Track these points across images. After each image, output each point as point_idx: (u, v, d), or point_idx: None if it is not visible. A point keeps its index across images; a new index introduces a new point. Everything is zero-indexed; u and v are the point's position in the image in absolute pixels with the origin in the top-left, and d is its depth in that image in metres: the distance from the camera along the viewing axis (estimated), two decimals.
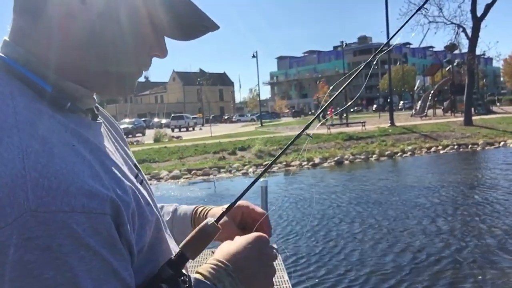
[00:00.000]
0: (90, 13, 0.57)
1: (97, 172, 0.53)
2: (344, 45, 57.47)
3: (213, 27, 0.68)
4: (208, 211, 0.91)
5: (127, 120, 41.67)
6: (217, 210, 0.88)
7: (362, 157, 17.13)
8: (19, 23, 0.58)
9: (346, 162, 16.65)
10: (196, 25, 0.67)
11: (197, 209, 0.93)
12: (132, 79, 0.66)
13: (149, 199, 0.64)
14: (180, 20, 0.64)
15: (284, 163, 16.48)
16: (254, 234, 0.72)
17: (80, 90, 0.61)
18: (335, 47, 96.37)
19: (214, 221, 0.68)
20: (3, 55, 0.57)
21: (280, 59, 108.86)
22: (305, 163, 16.52)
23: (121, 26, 0.59)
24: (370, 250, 6.29)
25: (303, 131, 0.86)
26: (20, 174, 0.46)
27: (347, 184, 12.30)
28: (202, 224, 0.68)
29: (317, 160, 16.56)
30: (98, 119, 0.68)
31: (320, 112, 0.95)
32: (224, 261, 0.66)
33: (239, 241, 0.70)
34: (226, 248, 0.70)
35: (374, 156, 17.37)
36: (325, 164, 16.40)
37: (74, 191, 0.48)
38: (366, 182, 12.29)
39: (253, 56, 48.18)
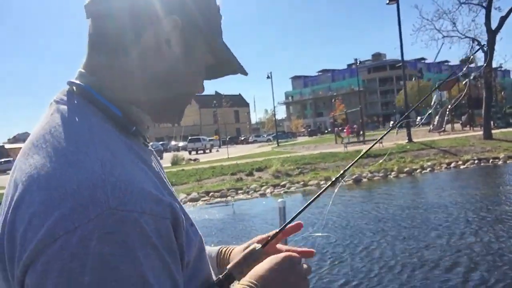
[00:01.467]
0: (172, 55, 0.69)
1: (157, 185, 0.61)
2: (358, 62, 57.53)
3: (243, 73, 0.82)
4: (232, 250, 0.96)
5: None
6: (239, 249, 0.94)
7: (381, 174, 16.93)
8: (97, 58, 0.68)
9: (364, 180, 16.47)
10: (225, 73, 0.84)
11: (222, 249, 0.98)
12: (184, 106, 0.78)
13: (192, 220, 0.70)
14: (219, 68, 0.81)
15: (302, 182, 16.39)
16: (282, 255, 0.75)
17: (143, 117, 0.71)
18: (349, 65, 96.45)
19: (261, 246, 0.78)
20: (81, 83, 0.67)
21: (295, 78, 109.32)
22: (323, 182, 16.39)
23: (192, 68, 0.73)
24: (394, 274, 6.16)
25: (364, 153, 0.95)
26: (100, 178, 0.53)
27: (367, 202, 12.13)
28: (250, 248, 0.78)
29: (334, 179, 16.43)
30: (149, 145, 0.77)
31: (397, 124, 0.99)
32: (254, 281, 0.69)
33: (268, 262, 0.74)
34: (256, 270, 0.73)
35: (393, 173, 17.14)
36: (343, 183, 16.25)
37: (145, 195, 0.55)
38: (389, 199, 12.10)
39: (268, 77, 48.61)
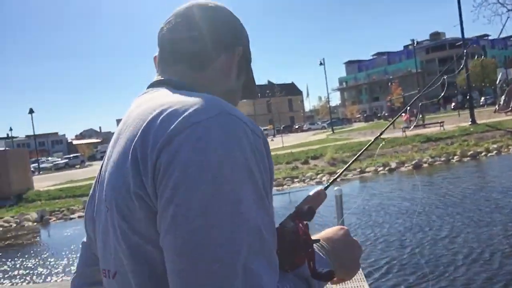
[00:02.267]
0: (233, 76, 0.88)
1: None
2: (415, 43, 55.16)
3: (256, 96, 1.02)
4: None
5: None
6: None
7: (443, 159, 16.26)
8: (183, 69, 0.85)
9: (425, 165, 15.89)
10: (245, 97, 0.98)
11: None
12: None
13: None
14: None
15: (358, 169, 16.11)
16: (342, 227, 0.91)
17: None
18: (406, 46, 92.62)
19: (323, 188, 0.94)
20: (175, 80, 0.83)
21: (348, 63, 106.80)
22: (381, 168, 16.02)
23: (238, 92, 0.92)
24: (449, 259, 5.95)
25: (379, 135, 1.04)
26: (216, 98, 0.70)
27: (429, 188, 11.73)
28: (317, 189, 0.93)
29: (393, 165, 15.99)
30: None
31: (396, 118, 1.07)
32: (324, 242, 0.85)
33: (329, 230, 0.90)
34: (321, 235, 0.88)
35: (456, 157, 16.41)
36: (403, 169, 15.78)
37: (246, 117, 0.69)
38: (452, 185, 11.64)
39: (321, 64, 47.91)
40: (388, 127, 1.09)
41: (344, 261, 0.85)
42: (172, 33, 0.87)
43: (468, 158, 16.19)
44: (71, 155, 58.65)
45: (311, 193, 0.93)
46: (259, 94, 1.02)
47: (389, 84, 71.85)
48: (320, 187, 0.94)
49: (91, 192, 0.85)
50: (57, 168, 50.34)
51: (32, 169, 30.14)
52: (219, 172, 0.60)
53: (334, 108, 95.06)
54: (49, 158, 66.41)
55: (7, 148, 27.01)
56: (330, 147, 20.17)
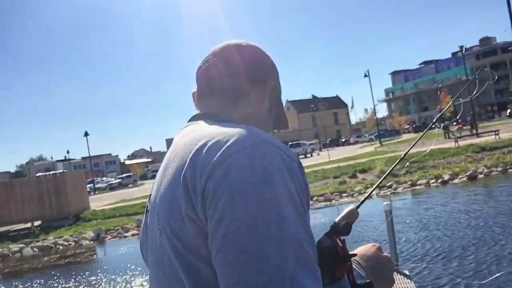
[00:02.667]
0: (266, 106, 0.97)
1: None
2: (464, 49, 53.31)
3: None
4: None
5: None
6: None
7: (499, 169, 15.47)
8: (219, 103, 0.94)
9: (481, 176, 15.19)
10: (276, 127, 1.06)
11: None
12: None
13: None
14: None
15: (410, 182, 15.65)
16: (375, 244, 1.01)
17: None
18: (454, 53, 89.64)
19: (356, 207, 1.01)
20: (215, 113, 0.92)
21: (394, 74, 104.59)
22: (433, 180, 15.48)
23: (269, 121, 1.00)
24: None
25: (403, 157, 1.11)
26: (253, 129, 0.77)
27: (486, 200, 11.20)
28: (350, 208, 1.00)
29: (446, 177, 15.40)
30: None
31: (428, 129, 1.13)
32: (359, 259, 0.94)
33: (363, 248, 1.00)
34: (358, 250, 0.98)
35: None
36: (456, 181, 15.17)
37: (280, 143, 0.76)
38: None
39: (365, 75, 47.25)
40: (414, 144, 1.16)
41: (379, 275, 0.93)
42: (209, 70, 0.97)
43: None
44: (124, 175, 60.81)
45: (343, 212, 0.99)
46: (289, 125, 1.11)
47: (438, 93, 69.57)
48: (352, 206, 1.00)
49: (143, 221, 0.94)
50: (111, 187, 52.38)
51: (88, 189, 31.53)
52: (263, 194, 0.66)
53: (381, 119, 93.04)
54: (104, 178, 69.27)
55: (65, 170, 28.43)
56: (379, 160, 19.75)
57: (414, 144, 1.33)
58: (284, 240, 0.64)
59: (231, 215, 0.65)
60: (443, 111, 1.60)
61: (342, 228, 0.86)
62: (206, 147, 0.74)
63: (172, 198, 0.76)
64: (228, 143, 0.72)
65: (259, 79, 0.95)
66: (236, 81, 0.94)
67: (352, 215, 0.98)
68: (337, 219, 0.95)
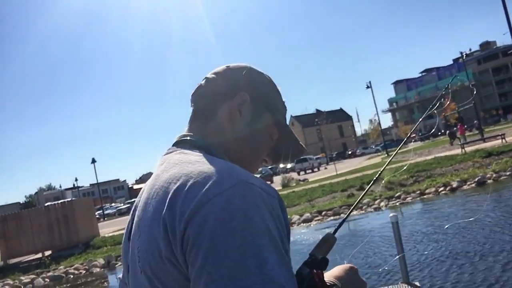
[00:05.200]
0: (243, 121, 0.93)
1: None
2: (465, 55, 53.38)
3: (304, 152, 1.08)
4: None
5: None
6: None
7: (508, 173, 15.30)
8: (198, 124, 0.96)
9: (489, 181, 15.03)
10: (292, 157, 1.07)
11: None
12: (254, 169, 0.98)
13: None
14: (286, 155, 1.05)
15: (418, 191, 15.52)
16: (349, 265, 0.99)
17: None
18: (455, 60, 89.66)
19: (332, 233, 0.98)
20: (193, 139, 0.92)
21: (397, 83, 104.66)
22: (441, 188, 15.34)
23: (256, 137, 0.95)
24: None
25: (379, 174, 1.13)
26: (231, 167, 0.77)
27: (497, 205, 11.07)
28: (325, 235, 0.96)
29: (454, 184, 15.26)
30: None
31: (399, 147, 1.16)
32: (336, 280, 0.91)
33: (341, 268, 0.97)
34: (334, 273, 0.95)
35: None
36: (465, 187, 15.01)
37: (260, 180, 0.76)
38: None
39: (367, 87, 47.37)
40: (388, 163, 1.16)
41: None
42: (194, 93, 1.00)
43: None
44: (133, 200, 60.80)
45: (320, 240, 0.97)
46: (304, 148, 1.08)
47: (442, 100, 69.36)
48: (328, 232, 0.99)
49: (122, 247, 0.94)
50: (120, 213, 52.37)
51: (97, 216, 31.55)
52: (244, 239, 0.66)
53: (387, 130, 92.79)
54: (113, 204, 69.23)
55: (73, 198, 28.53)
56: (386, 171, 19.64)
57: (386, 165, 1.30)
58: (266, 285, 0.64)
59: (212, 263, 0.65)
60: (429, 112, 1.60)
61: (319, 263, 0.86)
62: (185, 190, 0.73)
63: (152, 240, 0.75)
64: (207, 186, 0.71)
65: (226, 93, 0.94)
66: (210, 99, 0.95)
67: (329, 242, 0.96)
68: (313, 249, 0.94)
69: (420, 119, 1.26)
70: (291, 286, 0.67)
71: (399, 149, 1.24)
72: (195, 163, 0.79)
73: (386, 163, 1.26)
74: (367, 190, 1.27)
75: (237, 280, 0.64)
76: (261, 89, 0.98)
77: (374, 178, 1.31)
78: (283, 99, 1.05)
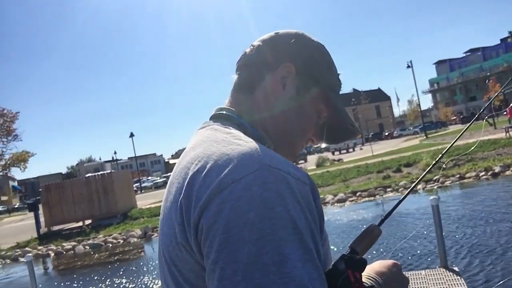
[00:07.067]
0: (286, 96, 0.85)
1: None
2: None
3: (356, 134, 0.99)
4: None
5: None
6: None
7: None
8: (239, 96, 0.89)
9: None
10: (341, 139, 0.98)
11: None
12: (297, 148, 0.91)
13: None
14: (335, 135, 0.96)
15: (458, 175, 15.08)
16: (392, 261, 0.92)
17: (268, 141, 0.84)
18: (503, 39, 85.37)
19: (377, 225, 0.91)
20: (228, 113, 0.86)
21: (439, 63, 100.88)
22: (483, 173, 14.83)
23: (302, 112, 0.87)
24: None
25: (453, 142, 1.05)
26: (256, 148, 0.68)
27: None
28: (369, 226, 0.90)
29: (497, 169, 14.71)
30: None
31: (476, 117, 1.08)
32: (377, 276, 0.85)
33: (383, 263, 0.90)
34: (374, 268, 0.88)
35: None
36: (508, 172, 14.45)
37: (289, 164, 0.68)
38: None
39: (408, 66, 45.93)
40: (452, 144, 1.06)
41: None
42: (238, 61, 0.94)
43: None
44: (169, 174, 62.26)
45: (362, 232, 0.89)
46: (359, 130, 1.00)
47: (487, 81, 66.58)
48: (373, 224, 0.91)
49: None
50: (157, 186, 53.88)
51: (135, 188, 32.51)
52: (262, 232, 0.59)
53: (426, 111, 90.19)
54: (150, 178, 71.21)
55: (113, 171, 29.43)
56: (425, 153, 19.15)
57: (449, 148, 1.24)
58: (286, 285, 0.57)
59: (226, 257, 0.59)
60: (492, 99, 1.52)
61: (356, 264, 0.76)
62: (203, 174, 0.67)
63: (170, 224, 0.71)
64: (226, 170, 0.65)
65: (270, 64, 0.86)
66: (253, 69, 0.88)
67: (373, 234, 0.89)
68: (354, 240, 0.86)
69: (502, 88, 1.15)
70: (318, 286, 0.59)
71: (468, 127, 1.18)
72: (221, 142, 0.73)
73: (453, 141, 1.23)
74: (426, 172, 1.22)
75: (251, 278, 0.57)
76: (310, 60, 0.88)
77: (438, 158, 1.25)
78: (338, 73, 0.95)
